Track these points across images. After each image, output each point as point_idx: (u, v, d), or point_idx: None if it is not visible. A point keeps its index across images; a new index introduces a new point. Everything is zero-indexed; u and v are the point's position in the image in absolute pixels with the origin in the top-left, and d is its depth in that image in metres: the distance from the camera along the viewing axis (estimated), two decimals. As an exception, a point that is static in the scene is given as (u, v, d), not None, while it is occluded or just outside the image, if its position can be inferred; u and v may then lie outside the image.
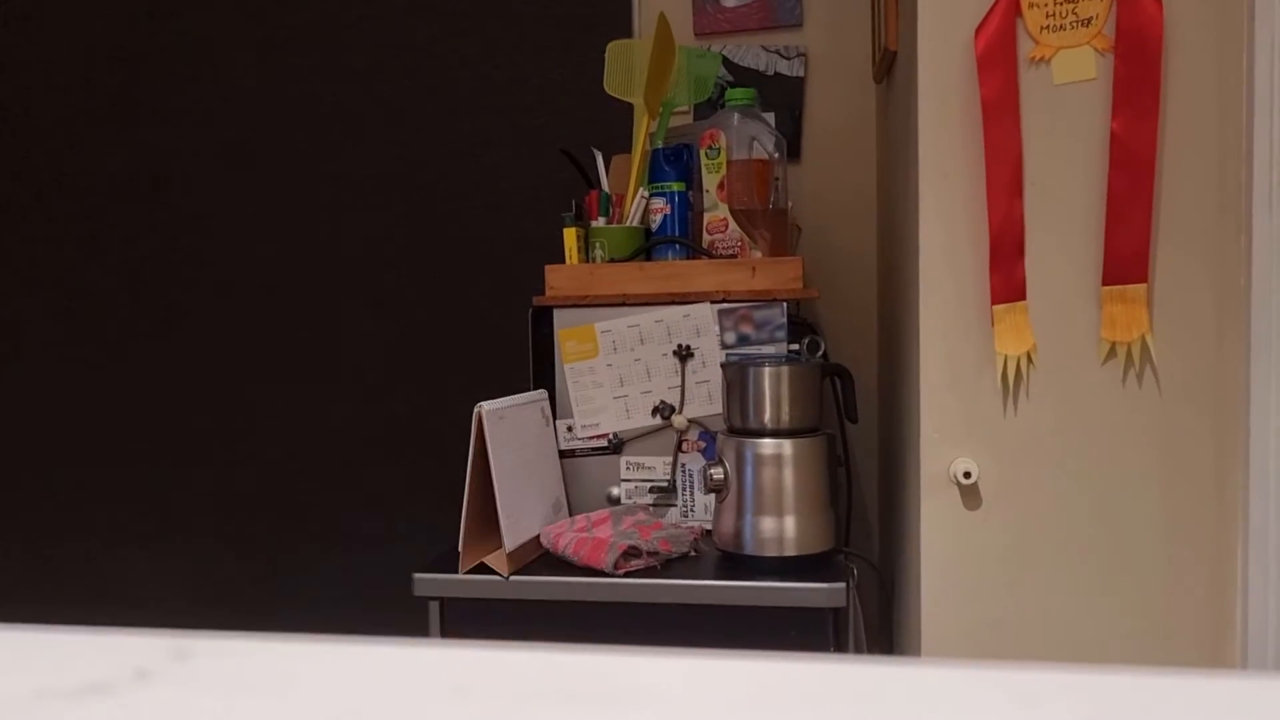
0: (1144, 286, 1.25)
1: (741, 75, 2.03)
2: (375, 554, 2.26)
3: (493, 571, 1.41)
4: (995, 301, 1.28)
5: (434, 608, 1.44)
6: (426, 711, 0.30)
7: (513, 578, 1.40)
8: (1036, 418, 1.29)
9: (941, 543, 1.32)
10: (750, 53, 2.05)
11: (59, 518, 2.41)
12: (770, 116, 1.68)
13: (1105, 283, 1.26)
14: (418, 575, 1.43)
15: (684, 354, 1.58)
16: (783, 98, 2.00)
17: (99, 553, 2.39)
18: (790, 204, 1.68)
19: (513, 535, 1.42)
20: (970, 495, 1.30)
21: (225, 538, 2.34)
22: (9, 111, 2.37)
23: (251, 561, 2.33)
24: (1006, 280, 1.28)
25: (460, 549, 1.42)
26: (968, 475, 1.29)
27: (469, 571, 1.42)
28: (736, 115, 1.64)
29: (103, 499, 2.39)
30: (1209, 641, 1.27)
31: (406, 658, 0.33)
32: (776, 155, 1.60)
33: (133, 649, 0.34)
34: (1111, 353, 1.27)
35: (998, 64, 1.26)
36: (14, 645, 0.35)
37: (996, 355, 1.29)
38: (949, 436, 1.31)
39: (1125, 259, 1.25)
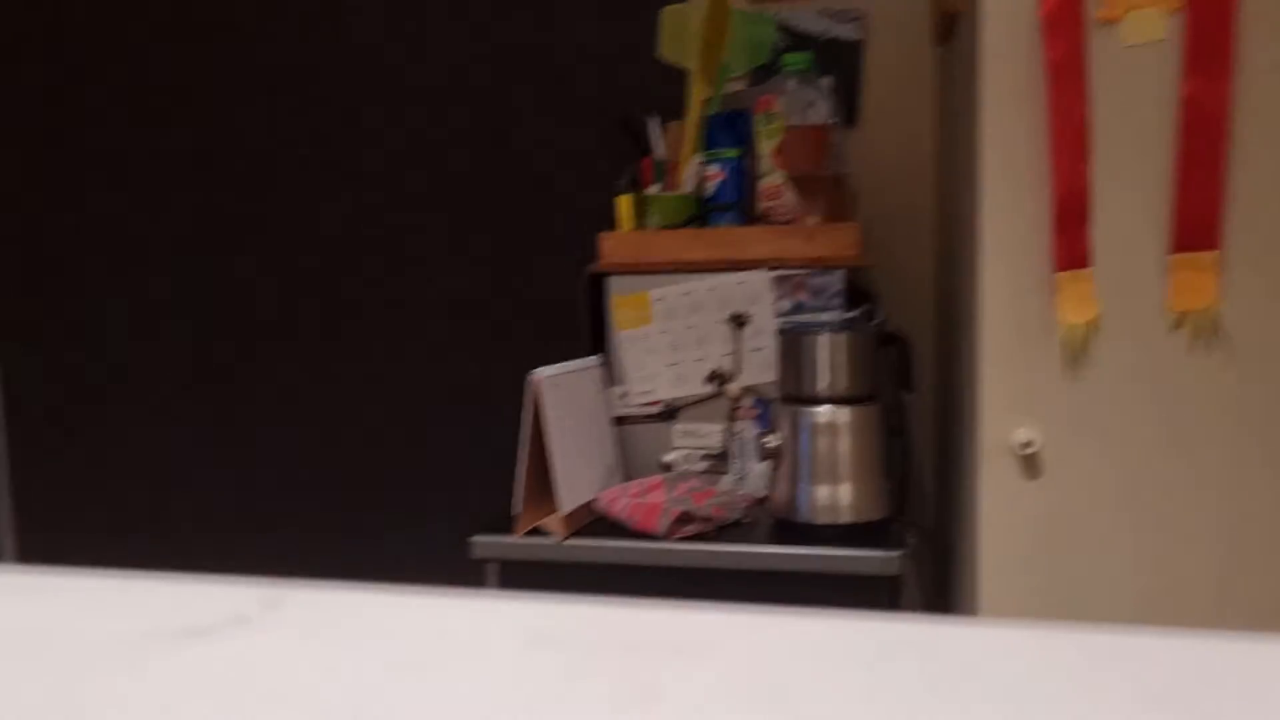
0: (1215, 254, 1.21)
1: (798, 40, 2.00)
2: (432, 517, 2.30)
3: (548, 535, 1.43)
4: (1058, 269, 1.26)
5: (491, 569, 1.46)
6: (504, 659, 0.30)
7: (567, 541, 1.42)
8: (1100, 387, 1.27)
9: (1000, 512, 1.30)
10: (807, 16, 2.02)
11: (139, 474, 2.49)
12: (827, 82, 1.65)
13: (1173, 250, 1.23)
14: (476, 538, 1.46)
15: (738, 321, 1.57)
16: (840, 62, 1.97)
17: (169, 510, 2.46)
18: (847, 170, 1.66)
19: (568, 499, 1.43)
20: (1030, 465, 1.29)
21: (285, 499, 2.39)
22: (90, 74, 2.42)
23: (311, 522, 2.38)
24: (1071, 247, 1.25)
25: (517, 512, 1.44)
26: (1027, 445, 1.27)
27: (525, 534, 1.44)
28: (793, 80, 1.62)
29: (173, 458, 2.45)
30: (1271, 614, 1.25)
31: (483, 609, 0.34)
32: (833, 121, 1.57)
33: (230, 596, 0.35)
34: (1179, 322, 1.24)
35: (1064, 25, 1.23)
36: (125, 591, 0.36)
37: (1059, 324, 1.27)
38: (1009, 405, 1.29)
39: (1195, 225, 1.22)
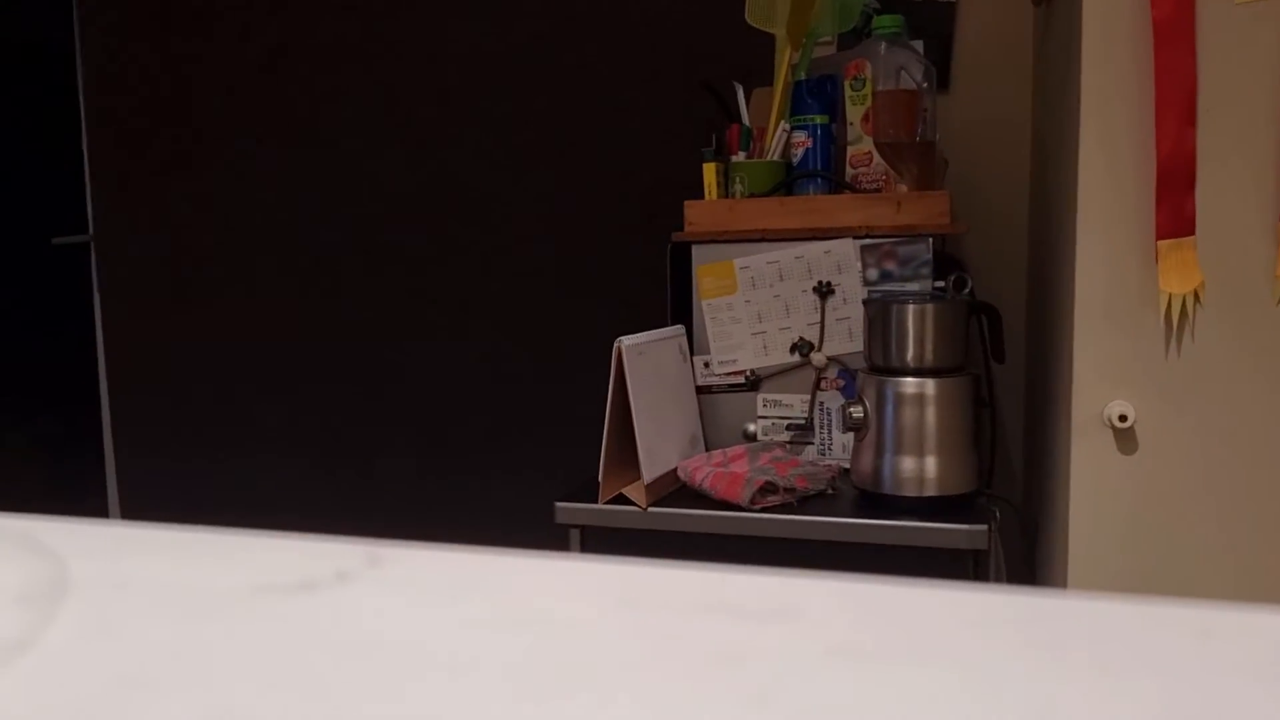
0: (1329, 221, 1.16)
1: (889, 1, 1.95)
2: (516, 483, 2.33)
3: (631, 502, 1.44)
4: (1161, 236, 1.21)
5: (574, 535, 1.48)
6: (597, 619, 0.31)
7: (650, 509, 1.43)
8: (1202, 360, 1.22)
9: (1092, 487, 1.27)
10: (898, -23, 1.97)
11: (233, 437, 2.58)
12: (919, 45, 1.62)
13: (1285, 217, 1.17)
14: (559, 504, 1.48)
15: (824, 290, 1.56)
16: (932, 24, 1.92)
17: (261, 470, 2.55)
18: (938, 136, 1.62)
19: (651, 468, 1.44)
20: (1125, 439, 1.25)
21: (370, 462, 2.46)
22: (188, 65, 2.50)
23: (395, 487, 2.44)
24: (1174, 214, 1.21)
25: (600, 480, 1.46)
26: (1124, 418, 1.24)
27: (608, 502, 1.45)
28: (883, 44, 1.58)
29: (261, 429, 2.54)
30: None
31: (577, 571, 0.34)
32: (925, 85, 1.54)
33: (334, 553, 0.36)
34: (1288, 292, 1.19)
35: (1172, -18, 1.18)
36: (235, 548, 0.38)
37: (1160, 293, 1.22)
38: (1104, 378, 1.25)
39: (1309, 191, 1.16)
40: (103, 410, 2.73)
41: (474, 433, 2.37)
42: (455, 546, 0.37)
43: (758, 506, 1.39)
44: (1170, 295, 1.22)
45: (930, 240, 1.51)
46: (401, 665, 0.28)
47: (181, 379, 2.59)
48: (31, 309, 2.99)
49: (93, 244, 2.66)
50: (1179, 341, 1.23)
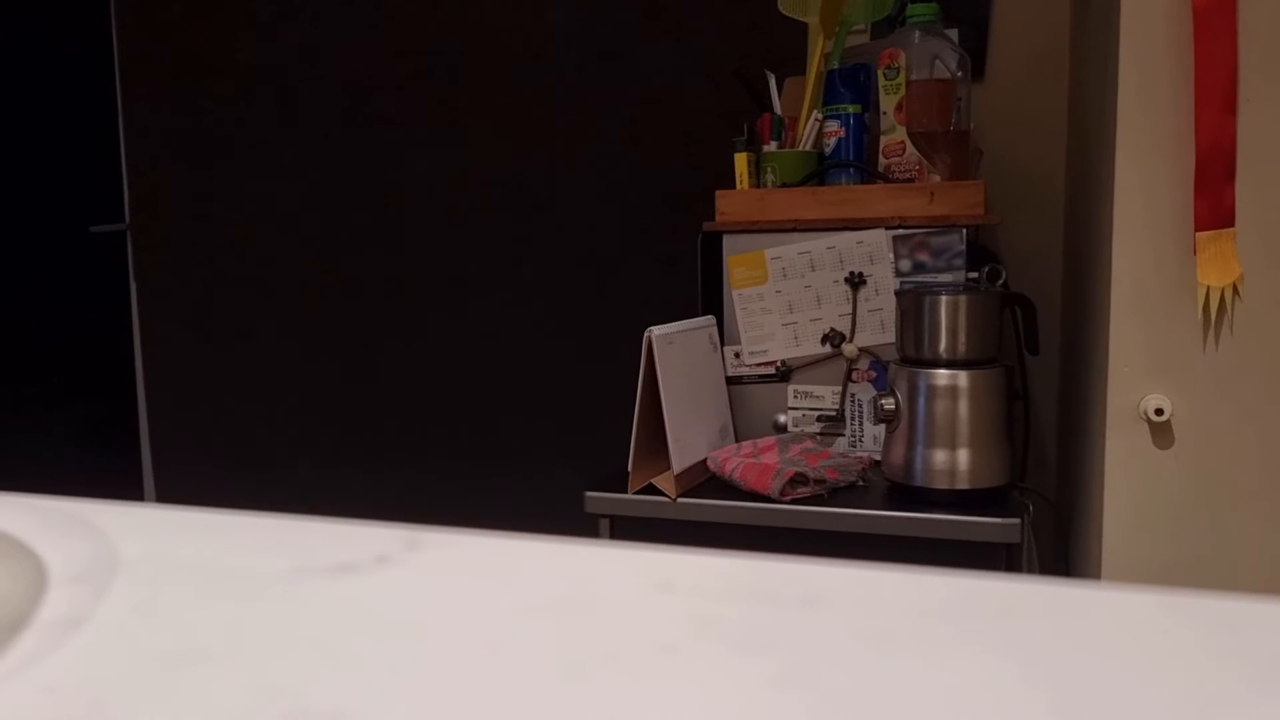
0: (1374, 212, 1.14)
1: (923, -10, 1.94)
2: (545, 471, 2.35)
3: (660, 492, 1.44)
4: (1199, 228, 1.20)
5: (604, 524, 1.48)
6: (633, 603, 0.31)
7: (679, 499, 1.43)
8: (1240, 354, 1.21)
9: (1127, 482, 1.26)
10: (933, -34, 1.95)
11: (267, 432, 2.61)
12: (954, 33, 1.60)
13: (1328, 208, 1.15)
14: (589, 493, 1.48)
15: (856, 281, 1.55)
16: (968, 11, 1.90)
17: (294, 457, 2.58)
18: (973, 125, 1.61)
19: (680, 458, 1.44)
20: (1161, 433, 1.24)
21: (401, 451, 2.48)
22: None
23: (425, 475, 2.46)
24: (1213, 205, 1.19)
25: (629, 469, 1.46)
26: (1160, 412, 1.22)
27: (637, 492, 1.46)
28: (917, 32, 1.57)
29: (294, 416, 2.56)
30: None
31: (612, 557, 0.35)
32: (959, 74, 1.52)
33: (375, 538, 0.37)
34: (1331, 285, 1.17)
35: (1214, -32, 1.16)
36: (276, 531, 0.39)
37: (1198, 286, 1.21)
38: (1140, 371, 1.24)
39: (1353, 182, 1.14)
40: (139, 396, 2.77)
41: (504, 422, 2.38)
42: (491, 532, 0.37)
43: (787, 498, 1.39)
44: (1209, 288, 1.20)
45: (964, 231, 1.50)
46: (440, 645, 0.29)
47: (217, 366, 2.62)
48: (70, 296, 3.03)
49: (129, 232, 2.69)
50: (1217, 335, 1.22)
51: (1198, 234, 1.20)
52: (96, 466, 3.08)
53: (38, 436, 3.00)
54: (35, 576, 0.34)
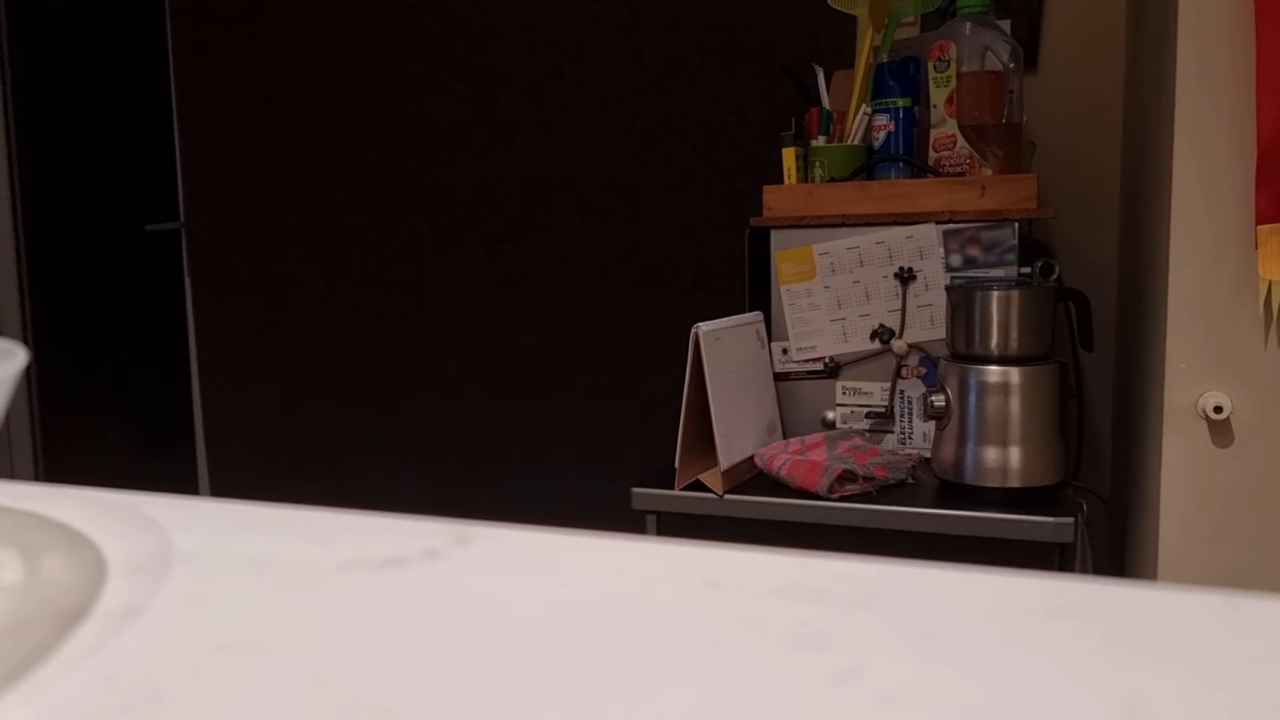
0: None
1: (974, -19, 1.91)
2: (594, 467, 2.35)
3: (707, 489, 1.44)
4: (1261, 221, 1.17)
5: (650, 521, 1.49)
6: (680, 599, 0.31)
7: (726, 496, 1.43)
8: (1304, 349, 1.17)
9: (1184, 481, 1.23)
10: (984, -44, 1.92)
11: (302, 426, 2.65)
12: (1006, 24, 1.58)
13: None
14: (636, 489, 1.48)
15: (906, 276, 1.53)
16: (1020, 3, 1.87)
17: (345, 454, 2.62)
18: (1025, 118, 1.58)
19: (727, 455, 1.44)
20: (1220, 431, 1.21)
21: (451, 450, 2.50)
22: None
23: (472, 471, 2.48)
24: (1275, 198, 1.16)
25: (676, 466, 1.46)
26: (1219, 410, 1.19)
27: (684, 488, 1.45)
28: (968, 24, 1.55)
29: (346, 413, 2.60)
30: None
31: (659, 553, 0.35)
32: (1012, 66, 1.50)
33: (424, 532, 0.37)
34: (1400, 279, 1.13)
35: (1277, -46, 1.13)
36: (327, 525, 0.39)
37: (1259, 280, 1.18)
38: (1198, 368, 1.21)
39: None
40: (193, 392, 2.83)
41: (552, 418, 2.39)
42: (540, 527, 0.38)
43: (835, 495, 1.38)
44: (1270, 282, 1.17)
45: (1016, 225, 1.48)
46: (487, 639, 0.29)
47: (269, 363, 2.67)
48: (126, 294, 3.10)
49: (183, 230, 2.74)
50: (1278, 331, 1.18)
51: (1259, 227, 1.17)
52: (152, 463, 3.14)
53: (95, 433, 3.07)
54: (95, 567, 0.35)
